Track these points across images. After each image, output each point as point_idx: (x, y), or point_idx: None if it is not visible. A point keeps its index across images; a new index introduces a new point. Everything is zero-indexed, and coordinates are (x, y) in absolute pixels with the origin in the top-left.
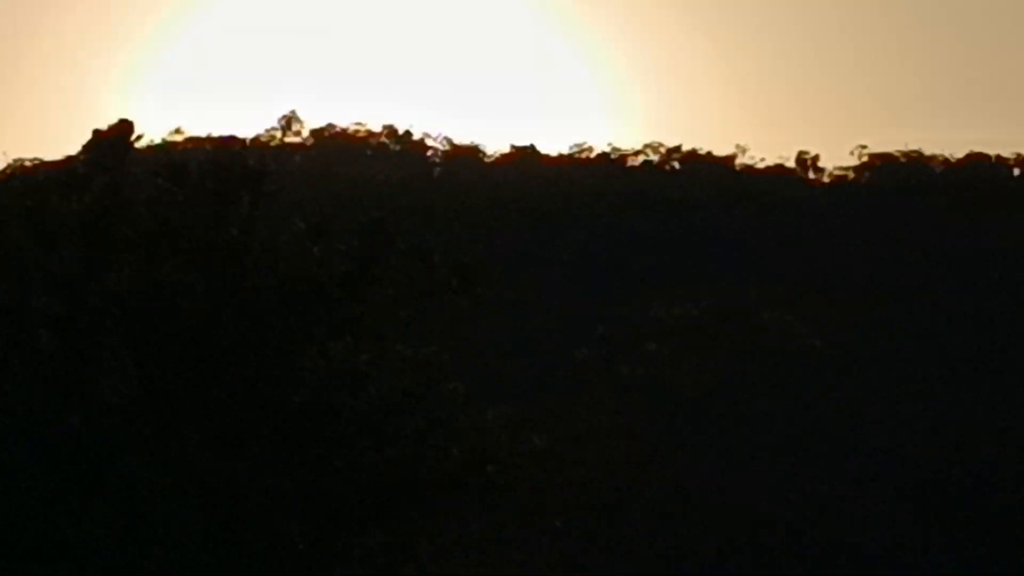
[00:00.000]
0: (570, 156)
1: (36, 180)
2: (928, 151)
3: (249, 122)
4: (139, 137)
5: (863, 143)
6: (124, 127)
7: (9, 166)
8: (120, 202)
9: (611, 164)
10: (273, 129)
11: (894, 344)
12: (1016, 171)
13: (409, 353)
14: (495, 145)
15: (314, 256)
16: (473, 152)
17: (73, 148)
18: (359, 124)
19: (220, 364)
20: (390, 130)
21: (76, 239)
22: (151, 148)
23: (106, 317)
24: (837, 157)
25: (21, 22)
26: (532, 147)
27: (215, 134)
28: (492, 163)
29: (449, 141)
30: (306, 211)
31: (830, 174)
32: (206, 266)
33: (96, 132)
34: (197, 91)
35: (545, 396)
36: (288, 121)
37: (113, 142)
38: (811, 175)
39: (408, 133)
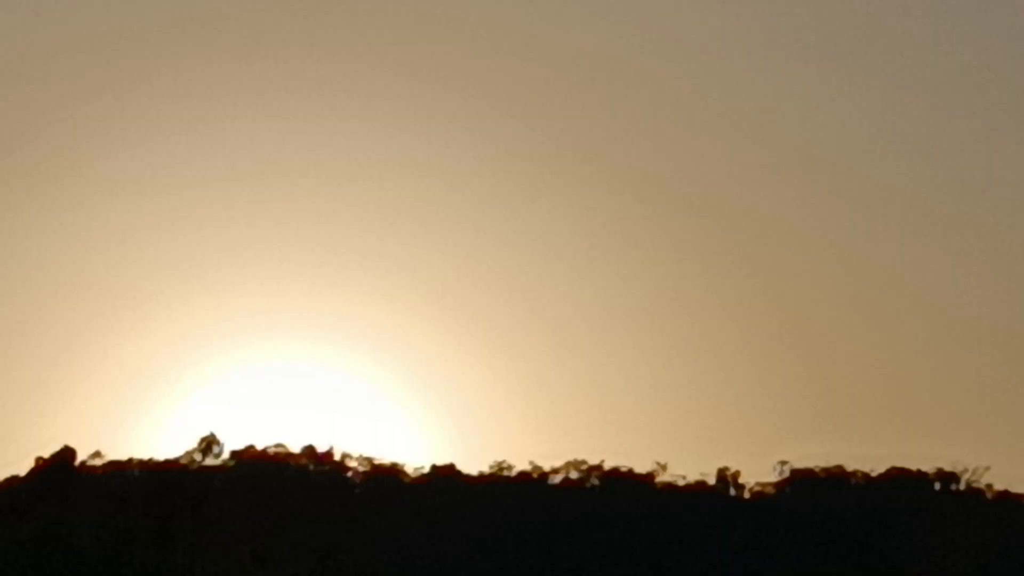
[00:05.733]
0: (491, 475)
1: None
2: (849, 466)
3: (165, 442)
4: (83, 464)
5: (784, 458)
6: (66, 454)
7: None
8: (64, 531)
9: (532, 483)
10: (193, 451)
11: None
12: (937, 485)
13: None
14: (417, 460)
15: None
16: (393, 472)
17: (19, 468)
18: (280, 446)
19: None
20: (310, 450)
21: (24, 567)
22: (91, 467)
23: None
24: (758, 472)
25: None
26: (452, 466)
27: (135, 457)
28: (413, 482)
29: (369, 461)
30: (251, 535)
31: (751, 490)
32: None
33: (38, 460)
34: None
35: None
36: (208, 444)
37: (56, 469)
38: (732, 492)
39: (329, 453)
